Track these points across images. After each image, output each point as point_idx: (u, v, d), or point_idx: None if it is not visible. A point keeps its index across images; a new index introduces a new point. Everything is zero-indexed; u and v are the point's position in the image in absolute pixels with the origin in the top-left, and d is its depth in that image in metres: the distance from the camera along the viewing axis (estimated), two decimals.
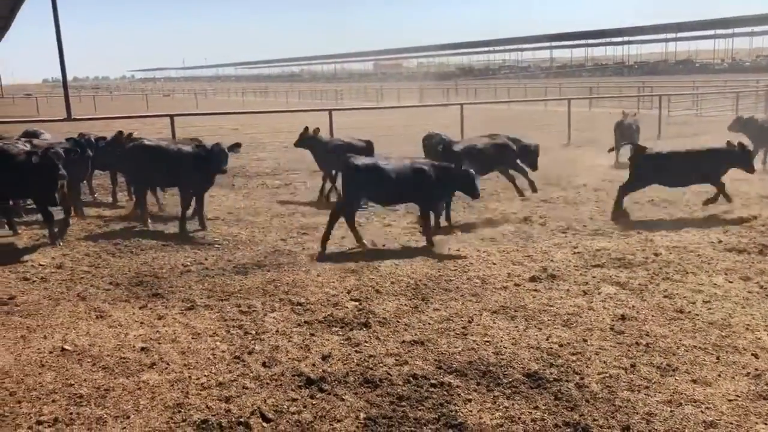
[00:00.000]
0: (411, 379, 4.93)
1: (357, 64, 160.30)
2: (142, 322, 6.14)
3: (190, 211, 10.15)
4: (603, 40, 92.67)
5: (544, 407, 4.50)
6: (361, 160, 8.82)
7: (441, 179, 8.78)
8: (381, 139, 17.95)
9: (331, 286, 7.19)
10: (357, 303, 6.65)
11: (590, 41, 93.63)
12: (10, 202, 10.08)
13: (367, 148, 12.23)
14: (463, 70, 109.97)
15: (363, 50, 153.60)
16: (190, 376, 4.97)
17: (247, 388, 4.81)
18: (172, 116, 15.85)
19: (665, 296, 6.66)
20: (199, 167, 9.66)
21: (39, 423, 4.27)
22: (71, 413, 4.38)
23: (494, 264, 7.93)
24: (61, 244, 9.11)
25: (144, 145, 10.13)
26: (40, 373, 4.98)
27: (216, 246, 9.02)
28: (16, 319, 6.18)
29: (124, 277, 7.60)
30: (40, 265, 8.14)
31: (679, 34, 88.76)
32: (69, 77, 16.35)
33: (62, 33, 13.93)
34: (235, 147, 9.88)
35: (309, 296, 6.86)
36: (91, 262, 8.25)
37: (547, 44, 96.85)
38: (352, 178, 8.68)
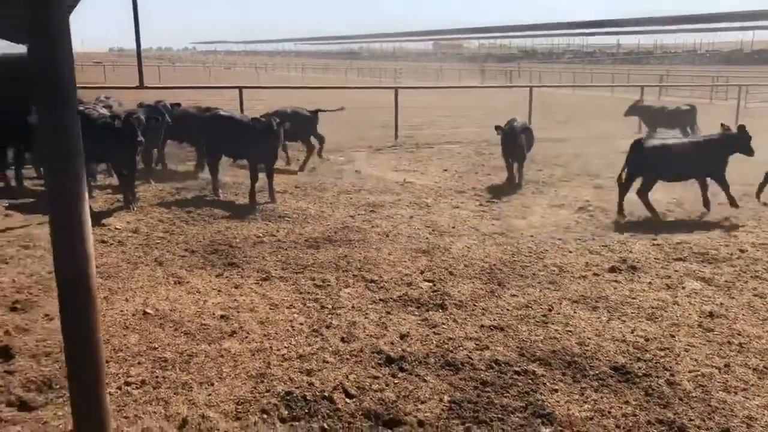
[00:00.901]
0: (494, 364, 4.81)
1: (416, 43, 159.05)
2: (219, 290, 6.17)
3: (260, 184, 10.20)
4: (674, 27, 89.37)
5: (635, 402, 4.33)
6: (654, 141, 9.42)
7: (725, 147, 9.33)
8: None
9: (403, 266, 7.11)
10: (431, 284, 6.55)
11: (660, 27, 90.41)
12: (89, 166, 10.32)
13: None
14: (526, 53, 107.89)
15: (423, 29, 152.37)
16: (270, 347, 4.97)
17: (327, 362, 4.77)
18: (240, 88, 15.94)
19: (755, 295, 6.35)
20: (268, 140, 9.68)
21: (127, 384, 4.32)
22: (157, 376, 4.42)
23: (570, 252, 7.71)
24: (135, 209, 9.27)
25: (220, 115, 10.19)
26: (124, 335, 5.05)
27: (287, 219, 9.02)
28: (98, 281, 6.28)
29: (199, 244, 7.67)
30: (116, 228, 8.29)
31: (759, 23, 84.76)
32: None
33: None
34: (286, 122, 9.87)
35: (382, 274, 6.79)
36: (166, 229, 8.36)
37: (614, 29, 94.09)
38: (647, 157, 9.05)
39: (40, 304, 5.62)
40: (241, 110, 15.27)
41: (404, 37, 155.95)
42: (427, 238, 8.24)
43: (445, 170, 13.55)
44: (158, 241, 7.78)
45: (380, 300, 6.07)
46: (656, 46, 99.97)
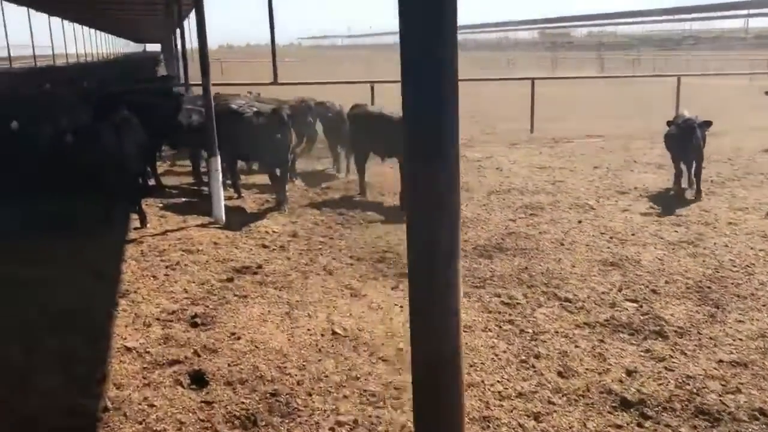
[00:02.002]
0: (758, 414, 3.97)
1: (521, 33, 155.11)
2: (401, 306, 5.62)
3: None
4: None
5: None
6: None
7: None
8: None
9: (595, 281, 6.31)
10: (636, 305, 5.73)
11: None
12: (239, 164, 10.13)
13: None
14: (641, 40, 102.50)
15: (528, 18, 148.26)
16: (482, 381, 4.35)
17: (553, 404, 4.09)
18: (372, 83, 15.52)
19: None
20: None
21: (339, 424, 3.81)
22: (369, 416, 3.89)
23: None
24: (287, 210, 8.94)
25: (367, 112, 9.73)
26: (319, 360, 4.58)
27: None
28: (272, 292, 5.90)
29: (364, 251, 7.19)
30: (274, 231, 7.96)
31: None
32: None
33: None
34: None
35: (575, 291, 6.03)
36: (324, 233, 7.95)
37: (744, 12, 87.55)
38: None
39: (220, 319, 5.25)
40: (372, 104, 14.84)
41: (509, 27, 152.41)
42: (608, 248, 7.39)
43: (596, 167, 12.53)
44: (320, 247, 7.36)
45: (584, 324, 5.32)
46: None
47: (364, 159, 10.01)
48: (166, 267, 6.54)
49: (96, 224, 7.81)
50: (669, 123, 10.02)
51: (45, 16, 31.19)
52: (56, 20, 34.32)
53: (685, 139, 9.45)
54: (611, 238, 7.78)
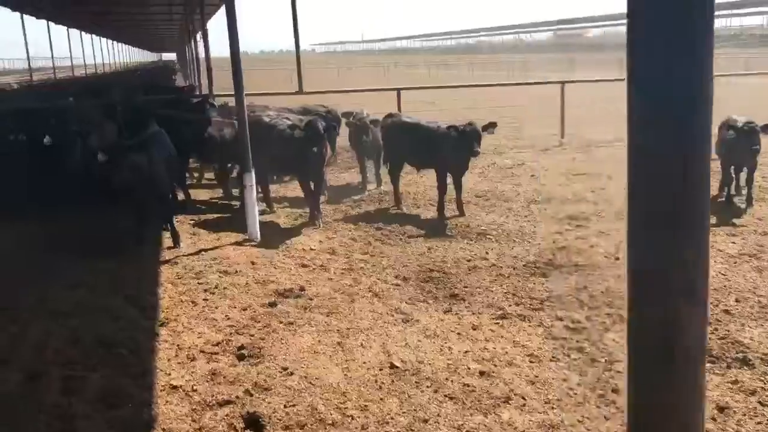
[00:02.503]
0: None
1: (535, 34, 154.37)
2: (459, 334, 5.25)
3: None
4: None
5: None
6: None
7: None
8: None
9: None
10: (710, 327, 5.32)
11: None
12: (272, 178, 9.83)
13: None
14: None
15: (542, 20, 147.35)
16: (562, 421, 3.97)
17: None
18: (398, 90, 15.18)
19: None
20: (455, 148, 8.75)
21: None
22: None
23: None
24: (321, 225, 8.61)
25: (403, 122, 9.39)
26: (381, 399, 4.22)
27: (488, 237, 8.03)
28: (319, 318, 5.55)
29: (408, 270, 6.83)
30: (311, 249, 7.62)
31: None
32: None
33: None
34: (490, 127, 8.84)
35: None
36: (363, 249, 7.60)
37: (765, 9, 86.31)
38: None
39: (268, 350, 4.91)
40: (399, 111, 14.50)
41: (523, 29, 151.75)
42: None
43: None
44: (362, 265, 7.01)
45: None
46: None
47: (398, 170, 9.67)
48: (205, 291, 6.22)
49: (129, 244, 7.51)
50: (724, 127, 9.50)
51: (63, 27, 31.19)
52: (74, 31, 34.36)
53: (746, 145, 8.96)
54: None
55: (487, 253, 7.39)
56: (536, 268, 6.88)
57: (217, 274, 6.72)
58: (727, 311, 5.62)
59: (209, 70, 15.77)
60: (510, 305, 5.84)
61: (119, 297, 6.00)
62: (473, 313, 5.69)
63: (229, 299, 6.02)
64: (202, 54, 19.72)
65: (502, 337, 5.18)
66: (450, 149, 8.72)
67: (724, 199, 9.76)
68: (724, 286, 6.25)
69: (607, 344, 5.05)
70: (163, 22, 32.25)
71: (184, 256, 7.34)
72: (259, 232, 7.98)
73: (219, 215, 9.32)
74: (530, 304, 5.87)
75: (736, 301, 5.85)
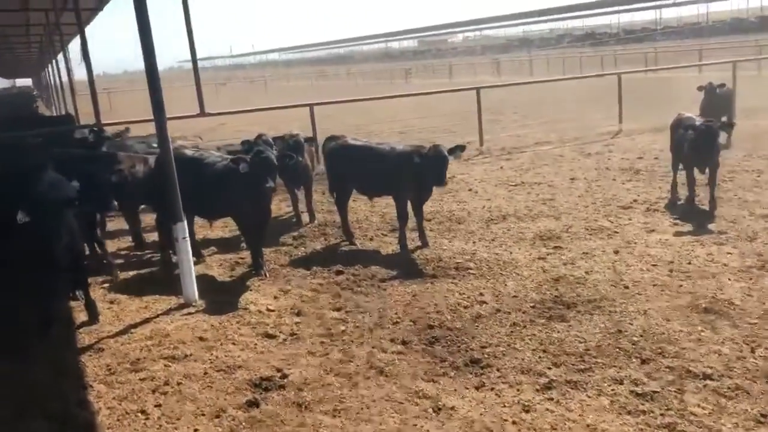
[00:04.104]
0: None
1: (399, 42, 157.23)
2: (514, 422, 4.08)
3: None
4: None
5: None
6: None
7: None
8: None
9: (711, 339, 5.06)
10: None
11: (664, 2, 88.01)
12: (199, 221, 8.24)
13: None
14: (524, 41, 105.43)
15: (408, 28, 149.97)
16: None
17: None
18: (311, 106, 13.87)
19: None
20: (417, 174, 7.64)
21: None
22: None
23: None
24: (267, 274, 7.19)
25: (350, 145, 8.12)
26: None
27: (471, 273, 6.94)
28: (324, 421, 4.19)
29: (403, 329, 5.58)
30: (269, 310, 6.20)
31: None
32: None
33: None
34: (457, 150, 7.79)
35: (703, 359, 4.72)
36: (334, 304, 6.27)
37: (614, 8, 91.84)
38: None
39: None
40: (313, 131, 13.19)
41: (390, 37, 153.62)
42: (679, 285, 6.20)
43: (573, 179, 11.51)
44: (342, 328, 5.68)
45: (761, 417, 3.99)
46: (657, 22, 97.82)
47: (347, 199, 8.40)
48: (153, 391, 4.67)
49: (33, 331, 5.72)
50: (681, 126, 8.97)
51: None
52: None
53: (707, 144, 8.44)
54: (671, 271, 6.61)
55: (481, 294, 6.29)
56: (547, 309, 5.85)
57: (161, 362, 5.16)
58: None
59: (73, 93, 13.65)
60: (549, 367, 4.76)
61: (38, 417, 4.34)
62: (511, 386, 4.55)
63: (190, 401, 4.52)
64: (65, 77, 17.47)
65: (567, 419, 4.07)
66: (412, 175, 7.59)
67: (683, 201, 9.30)
68: (765, 311, 5.49)
69: (695, 412, 4.08)
70: (20, 45, 28.98)
71: (108, 337, 5.70)
72: (197, 294, 6.45)
73: (137, 272, 7.63)
74: (572, 363, 4.80)
75: None
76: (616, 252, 7.34)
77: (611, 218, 8.80)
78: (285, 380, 4.74)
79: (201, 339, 5.54)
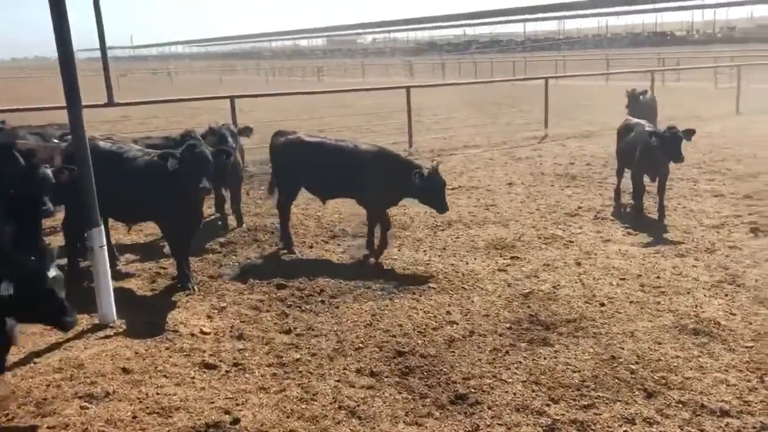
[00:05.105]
0: None
1: (306, 40, 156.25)
2: None
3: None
4: (588, 12, 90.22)
5: None
6: None
7: None
8: None
9: (713, 366, 4.58)
10: None
11: (567, 13, 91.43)
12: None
13: None
14: (432, 45, 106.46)
15: (316, 26, 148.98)
16: None
17: None
18: (232, 98, 12.80)
19: None
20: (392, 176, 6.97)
21: None
22: None
23: None
24: (197, 289, 6.22)
25: (303, 141, 7.23)
26: None
27: (432, 288, 6.25)
28: None
29: (370, 357, 4.80)
30: (204, 333, 5.26)
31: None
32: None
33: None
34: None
35: (714, 393, 4.23)
36: (282, 326, 5.40)
37: (521, 17, 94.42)
38: None
39: None
40: (235, 124, 12.13)
41: (299, 35, 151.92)
42: (657, 302, 5.77)
43: (510, 184, 11.12)
44: (296, 356, 4.83)
45: None
46: (561, 32, 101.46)
47: (291, 201, 7.51)
48: None
49: None
50: (652, 134, 8.50)
51: None
52: None
53: (669, 152, 8.12)
54: (642, 286, 6.19)
55: (448, 312, 5.60)
56: (525, 330, 5.25)
57: (75, 402, 4.14)
58: None
59: None
60: (547, 404, 4.12)
61: None
62: (509, 428, 3.87)
63: None
64: None
65: None
66: (385, 177, 6.87)
67: (630, 210, 9.02)
68: (756, 332, 5.13)
69: None
70: None
71: (6, 368, 4.59)
72: (115, 313, 5.42)
73: None
74: (571, 399, 4.19)
75: None
76: (578, 264, 6.88)
77: (561, 226, 8.38)
78: (237, 426, 3.86)
79: (125, 371, 4.55)
